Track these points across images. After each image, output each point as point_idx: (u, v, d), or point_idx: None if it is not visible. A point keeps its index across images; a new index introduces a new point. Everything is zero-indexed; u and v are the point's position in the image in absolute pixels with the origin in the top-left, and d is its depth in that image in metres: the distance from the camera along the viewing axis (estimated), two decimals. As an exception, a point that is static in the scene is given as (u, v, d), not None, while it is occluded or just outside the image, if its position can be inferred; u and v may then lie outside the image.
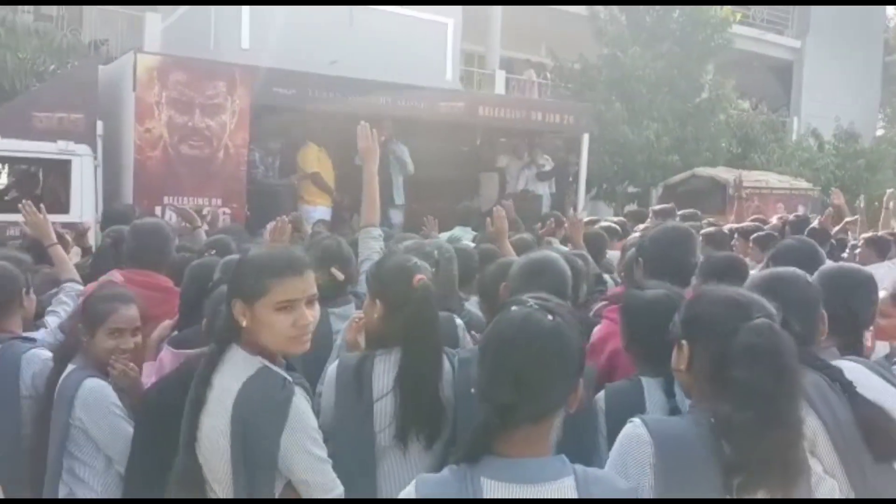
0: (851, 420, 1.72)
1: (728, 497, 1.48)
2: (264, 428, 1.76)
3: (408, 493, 1.44)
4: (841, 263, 3.00)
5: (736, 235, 5.68)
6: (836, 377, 1.76)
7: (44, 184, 7.08)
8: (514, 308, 1.47)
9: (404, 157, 8.44)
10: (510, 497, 1.36)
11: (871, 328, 2.69)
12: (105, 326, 2.54)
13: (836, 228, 6.60)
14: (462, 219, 6.55)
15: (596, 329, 2.66)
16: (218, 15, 8.49)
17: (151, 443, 2.15)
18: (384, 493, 2.10)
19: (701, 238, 5.21)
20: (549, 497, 1.36)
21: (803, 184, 12.95)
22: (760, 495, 1.48)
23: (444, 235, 5.57)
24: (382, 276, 2.31)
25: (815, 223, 6.29)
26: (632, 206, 11.31)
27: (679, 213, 6.89)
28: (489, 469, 1.38)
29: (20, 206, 3.70)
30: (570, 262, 2.70)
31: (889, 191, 6.56)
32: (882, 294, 2.92)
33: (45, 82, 8.87)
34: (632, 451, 1.55)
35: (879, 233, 5.74)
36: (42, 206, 3.75)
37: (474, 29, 13.27)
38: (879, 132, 21.57)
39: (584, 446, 2.01)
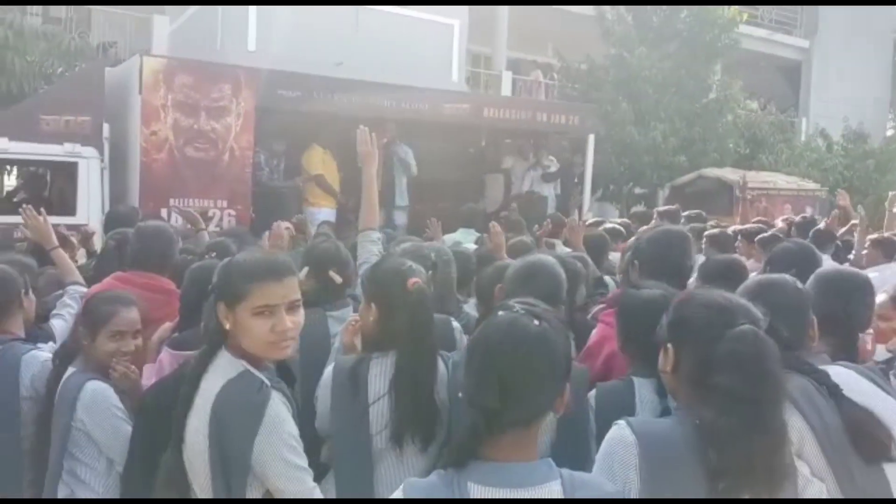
0: (839, 423, 1.72)
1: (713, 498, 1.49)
2: (238, 429, 1.75)
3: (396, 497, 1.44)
4: (838, 267, 3.00)
5: (739, 237, 5.67)
6: (823, 381, 1.76)
7: (51, 186, 7.13)
8: (500, 313, 1.48)
9: (408, 158, 8.40)
10: (497, 499, 1.36)
11: (871, 331, 2.69)
12: (106, 329, 2.56)
13: (843, 230, 6.58)
14: (467, 220, 6.53)
15: (592, 332, 2.67)
16: (225, 17, 8.51)
17: (148, 444, 2.16)
18: (381, 496, 2.10)
19: (705, 240, 5.22)
20: (536, 500, 1.37)
21: (811, 185, 12.86)
22: (745, 496, 1.49)
23: (448, 238, 5.57)
24: (377, 280, 2.33)
25: (821, 225, 6.26)
26: (638, 208, 11.26)
27: (684, 214, 6.88)
28: (476, 474, 1.39)
29: (21, 209, 3.73)
30: (567, 266, 2.71)
31: (892, 193, 6.51)
32: (882, 297, 2.91)
33: (52, 85, 8.91)
34: (617, 453, 1.56)
35: (885, 234, 5.70)
36: (42, 209, 3.77)
37: (481, 30, 13.23)
38: (889, 132, 21.41)
39: (578, 448, 2.03)
